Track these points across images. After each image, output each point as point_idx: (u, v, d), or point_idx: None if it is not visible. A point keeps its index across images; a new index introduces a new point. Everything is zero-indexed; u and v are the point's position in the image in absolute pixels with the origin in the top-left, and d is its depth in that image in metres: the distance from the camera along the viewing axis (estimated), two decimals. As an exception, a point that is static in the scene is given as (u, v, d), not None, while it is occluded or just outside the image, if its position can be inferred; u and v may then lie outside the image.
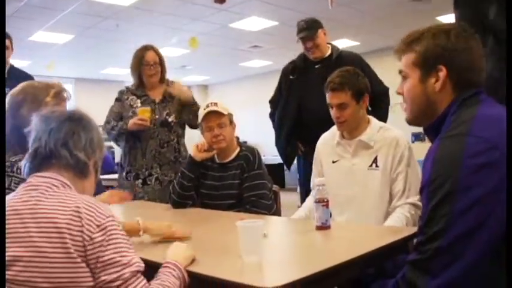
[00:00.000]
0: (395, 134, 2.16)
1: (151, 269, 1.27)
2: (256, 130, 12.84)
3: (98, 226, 1.12)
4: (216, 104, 2.47)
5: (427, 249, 1.07)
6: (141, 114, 3.06)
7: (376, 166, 2.12)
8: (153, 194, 3.13)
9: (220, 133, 2.44)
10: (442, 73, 1.25)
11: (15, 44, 7.37)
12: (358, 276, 1.48)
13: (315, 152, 2.42)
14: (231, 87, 13.36)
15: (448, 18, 7.48)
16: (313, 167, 2.42)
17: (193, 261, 1.38)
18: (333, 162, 2.27)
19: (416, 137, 8.01)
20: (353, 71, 2.22)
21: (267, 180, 2.48)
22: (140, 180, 3.16)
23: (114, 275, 1.10)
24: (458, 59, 1.24)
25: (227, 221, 2.14)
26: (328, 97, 2.18)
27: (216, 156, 2.55)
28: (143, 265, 1.17)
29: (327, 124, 2.33)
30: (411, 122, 1.39)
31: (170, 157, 3.18)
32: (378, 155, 2.13)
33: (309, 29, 3.42)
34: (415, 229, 1.70)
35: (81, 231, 1.10)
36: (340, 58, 3.38)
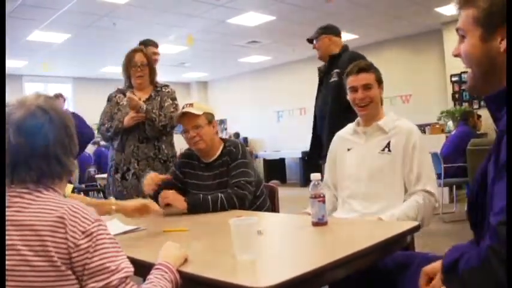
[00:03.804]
0: (410, 125, 2.23)
1: (145, 270, 1.25)
2: (257, 126, 12.84)
3: (83, 232, 1.07)
4: (191, 104, 2.44)
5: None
6: (131, 98, 3.04)
7: (389, 151, 2.16)
8: (131, 189, 3.14)
9: (195, 134, 2.41)
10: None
11: (12, 45, 7.38)
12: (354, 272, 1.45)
13: (330, 148, 2.45)
14: (230, 83, 13.32)
15: (447, 9, 7.43)
16: (326, 163, 2.46)
17: (186, 261, 1.35)
18: (348, 150, 2.32)
19: (418, 129, 7.95)
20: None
21: (252, 171, 2.43)
22: (119, 175, 3.19)
23: (102, 283, 1.06)
24: None
25: (222, 219, 2.11)
26: (353, 80, 2.25)
27: (200, 156, 2.53)
28: (132, 269, 1.13)
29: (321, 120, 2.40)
30: (471, 89, 1.21)
31: (149, 153, 3.17)
32: (391, 141, 2.17)
33: (316, 32, 3.66)
34: (412, 223, 1.68)
35: (66, 238, 1.05)
36: (338, 58, 3.54)
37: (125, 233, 1.91)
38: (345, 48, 3.63)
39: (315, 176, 1.78)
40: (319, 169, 2.81)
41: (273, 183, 10.47)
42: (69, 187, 2.38)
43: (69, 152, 1.22)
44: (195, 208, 2.27)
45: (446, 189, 6.11)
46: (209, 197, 2.29)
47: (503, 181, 0.96)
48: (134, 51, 3.28)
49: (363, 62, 2.32)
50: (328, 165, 2.44)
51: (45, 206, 1.10)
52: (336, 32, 3.66)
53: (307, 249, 1.51)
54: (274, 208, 2.66)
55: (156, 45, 3.98)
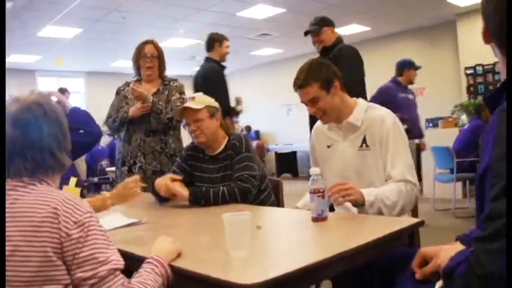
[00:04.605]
0: (381, 112, 2.11)
1: (138, 264, 1.25)
2: (269, 119, 12.79)
3: (75, 223, 1.09)
4: (193, 98, 2.44)
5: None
6: (134, 88, 3.05)
7: (367, 146, 2.08)
8: None
9: (196, 128, 2.41)
10: None
11: (24, 40, 7.43)
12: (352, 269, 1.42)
13: (310, 141, 2.38)
14: (242, 76, 13.26)
15: (461, 0, 7.28)
16: (310, 155, 2.39)
17: (179, 255, 1.33)
18: (328, 147, 2.24)
19: (431, 123, 7.82)
20: (316, 62, 2.17)
21: (256, 165, 2.41)
22: (126, 168, 3.21)
23: (90, 273, 1.07)
24: None
25: (222, 213, 2.09)
26: (299, 96, 2.15)
27: (204, 149, 2.53)
28: (122, 263, 1.14)
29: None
30: None
31: (155, 147, 3.17)
32: (366, 135, 2.08)
33: (315, 24, 3.65)
34: (412, 220, 1.64)
35: (58, 228, 1.08)
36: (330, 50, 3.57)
37: (126, 226, 1.89)
38: (339, 40, 3.64)
39: (314, 171, 1.75)
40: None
41: (285, 176, 10.54)
42: (73, 180, 2.38)
43: (63, 147, 1.25)
44: (196, 200, 2.26)
45: (459, 184, 6.01)
46: (211, 189, 2.28)
47: (489, 188, 0.94)
48: (145, 42, 3.29)
49: (299, 76, 2.10)
50: (312, 158, 2.37)
51: (39, 198, 1.12)
52: (333, 24, 3.68)
53: (303, 245, 1.47)
54: (278, 202, 2.63)
55: None
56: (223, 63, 4.49)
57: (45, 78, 10.59)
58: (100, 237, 1.12)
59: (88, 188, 6.99)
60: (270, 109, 12.39)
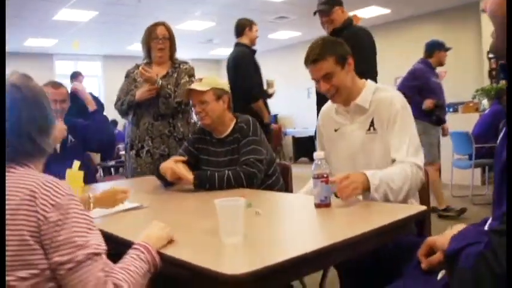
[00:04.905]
0: (390, 93, 2.01)
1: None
2: (287, 103, 12.66)
3: (53, 205, 1.05)
4: (200, 79, 2.41)
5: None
6: (143, 72, 3.03)
7: (374, 129, 1.98)
8: (144, 166, 3.14)
9: (201, 110, 2.37)
10: None
11: (41, 24, 7.45)
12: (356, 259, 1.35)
13: (316, 126, 2.30)
14: (260, 60, 13.13)
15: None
16: (317, 140, 2.30)
17: (171, 241, 1.29)
18: (335, 130, 2.15)
19: (451, 107, 7.61)
20: (329, 38, 2.12)
21: (264, 149, 2.36)
22: (134, 151, 3.19)
23: (67, 257, 1.03)
24: None
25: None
26: (311, 72, 2.03)
27: (211, 132, 2.50)
28: (104, 248, 1.09)
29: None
30: (492, 49, 1.09)
31: (164, 131, 3.14)
32: (374, 118, 1.99)
33: (325, 3, 3.49)
34: (419, 207, 1.56)
35: (36, 211, 1.04)
36: (341, 32, 3.38)
37: (126, 210, 1.86)
38: (349, 21, 3.47)
39: (318, 155, 1.67)
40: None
41: (302, 161, 10.44)
42: (76, 164, 2.36)
43: (43, 131, 1.19)
44: (201, 184, 2.23)
45: (478, 171, 5.85)
46: (216, 173, 2.24)
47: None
48: (156, 24, 3.26)
49: (314, 50, 2.00)
50: (319, 143, 2.29)
51: (17, 181, 1.08)
52: (343, 3, 3.52)
53: (303, 232, 1.41)
54: (287, 187, 2.57)
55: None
56: (253, 48, 4.57)
57: (62, 61, 10.64)
58: (81, 220, 1.08)
59: (104, 171, 7.01)
60: (288, 93, 12.25)
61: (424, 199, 2.00)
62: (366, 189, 1.72)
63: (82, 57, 11.03)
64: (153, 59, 3.25)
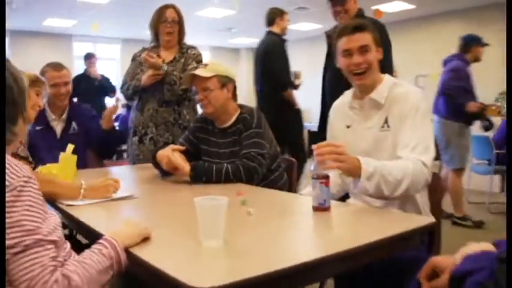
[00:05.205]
0: (406, 89, 1.85)
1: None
2: (307, 96, 12.45)
3: (7, 186, 0.96)
4: (205, 65, 2.28)
5: None
6: (147, 58, 2.91)
7: (388, 127, 1.82)
8: (147, 154, 3.01)
9: (204, 97, 2.24)
10: None
11: (60, 4, 7.41)
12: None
13: (328, 121, 2.14)
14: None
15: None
16: (327, 136, 2.13)
17: (146, 240, 1.17)
18: (347, 127, 1.99)
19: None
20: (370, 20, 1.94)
21: (268, 142, 2.23)
22: (137, 138, 3.10)
23: (14, 240, 0.94)
24: None
25: (220, 193, 1.91)
26: (346, 42, 1.86)
27: (215, 121, 2.37)
28: (58, 235, 1.01)
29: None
30: None
31: (168, 118, 3.04)
32: (389, 115, 1.83)
33: None
34: (424, 220, 1.40)
35: None
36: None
37: (113, 200, 1.76)
38: (361, 12, 3.25)
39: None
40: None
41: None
42: (70, 147, 2.25)
43: (10, 119, 1.08)
44: (197, 176, 2.11)
45: (497, 177, 5.61)
46: (214, 166, 2.12)
47: None
48: (165, 6, 3.13)
49: (355, 22, 1.91)
50: (329, 138, 2.11)
51: None
52: None
53: (293, 240, 1.25)
54: (291, 184, 2.44)
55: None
56: (284, 37, 4.59)
57: (81, 43, 10.58)
58: (34, 204, 0.99)
59: (117, 155, 6.97)
60: (310, 86, 12.06)
61: (435, 206, 1.84)
62: (357, 176, 1.56)
63: (101, 40, 10.97)
64: (161, 43, 3.15)
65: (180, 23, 3.12)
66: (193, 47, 3.18)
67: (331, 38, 3.30)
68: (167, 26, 3.06)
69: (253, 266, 0.97)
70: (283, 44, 4.53)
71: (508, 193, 0.73)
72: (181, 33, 3.15)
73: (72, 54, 10.36)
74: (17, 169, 1.01)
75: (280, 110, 4.40)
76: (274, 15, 4.49)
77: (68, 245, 1.13)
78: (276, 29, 4.49)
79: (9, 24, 9.27)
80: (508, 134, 0.78)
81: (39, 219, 0.98)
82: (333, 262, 1.07)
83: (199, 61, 3.09)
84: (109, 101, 6.34)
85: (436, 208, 1.83)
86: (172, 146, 2.31)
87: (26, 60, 5.85)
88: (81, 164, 2.68)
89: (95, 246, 1.08)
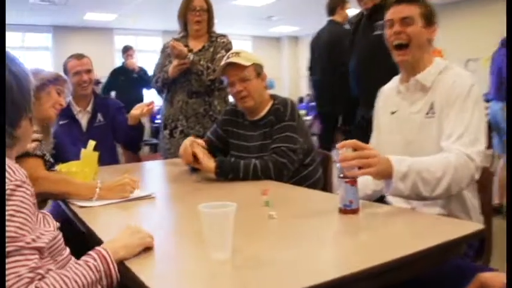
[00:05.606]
0: (456, 72, 1.65)
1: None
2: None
3: None
4: (238, 53, 2.10)
5: None
6: (174, 45, 2.81)
7: (433, 113, 1.62)
8: (177, 147, 2.90)
9: (243, 88, 2.08)
10: None
11: None
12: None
13: (375, 108, 1.96)
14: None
15: None
16: (373, 125, 1.96)
17: (148, 249, 1.05)
18: (392, 113, 1.81)
19: None
20: None
21: (301, 136, 2.07)
22: (167, 131, 3.01)
23: None
24: None
25: (246, 192, 1.77)
26: (391, 13, 1.71)
27: (246, 114, 2.22)
28: (41, 245, 0.93)
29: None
30: None
31: (198, 109, 2.92)
32: (435, 100, 1.63)
33: None
34: (475, 226, 1.19)
35: None
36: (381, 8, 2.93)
37: (130, 200, 1.65)
38: None
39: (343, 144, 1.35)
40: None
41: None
42: (91, 144, 2.17)
43: (14, 122, 1.02)
44: (223, 173, 1.98)
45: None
46: (241, 161, 1.98)
47: None
48: None
49: None
50: (375, 126, 1.95)
51: None
52: None
53: (315, 252, 1.07)
54: (326, 179, 2.28)
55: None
56: (346, 26, 4.47)
57: (122, 36, 10.69)
58: (22, 209, 0.92)
59: (151, 149, 6.97)
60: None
61: (486, 206, 1.62)
62: (389, 177, 1.38)
63: (141, 32, 11.05)
64: (190, 32, 3.04)
65: (209, 11, 3.01)
66: (223, 35, 3.06)
67: (355, 23, 3.17)
68: (196, 14, 2.95)
69: (262, 284, 0.83)
70: (347, 33, 4.42)
71: (508, 193, 0.58)
72: (210, 21, 3.03)
73: (113, 48, 10.50)
74: (10, 172, 0.94)
75: (340, 101, 4.30)
76: (335, 4, 4.43)
77: (67, 250, 1.06)
78: (338, 18, 4.43)
79: (51, 20, 9.46)
80: (508, 134, 0.64)
81: (24, 225, 0.90)
82: (356, 282, 0.90)
83: (228, 49, 2.95)
84: (146, 93, 6.35)
85: (486, 208, 1.61)
86: (191, 138, 2.16)
87: (68, 55, 5.88)
88: (109, 156, 2.61)
89: (83, 258, 0.98)
